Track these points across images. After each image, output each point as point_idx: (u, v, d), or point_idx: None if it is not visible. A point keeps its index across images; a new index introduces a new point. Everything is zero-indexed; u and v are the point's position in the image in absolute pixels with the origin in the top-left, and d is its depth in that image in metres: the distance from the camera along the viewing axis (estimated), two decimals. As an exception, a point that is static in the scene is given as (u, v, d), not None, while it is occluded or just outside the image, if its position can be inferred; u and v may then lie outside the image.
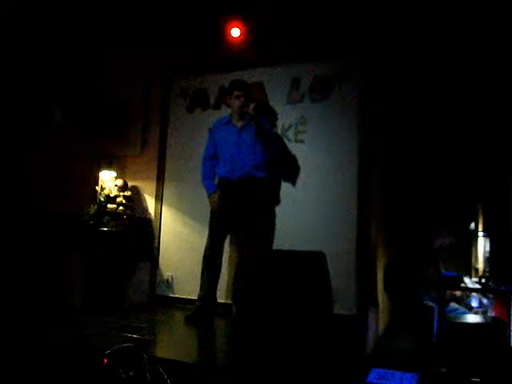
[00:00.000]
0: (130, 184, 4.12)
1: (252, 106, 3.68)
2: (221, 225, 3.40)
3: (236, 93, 3.36)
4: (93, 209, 3.84)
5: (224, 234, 3.44)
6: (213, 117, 3.82)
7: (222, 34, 3.77)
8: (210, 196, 3.42)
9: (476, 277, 2.99)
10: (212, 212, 3.42)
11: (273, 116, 3.77)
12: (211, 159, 3.49)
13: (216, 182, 3.47)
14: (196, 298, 3.37)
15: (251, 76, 3.86)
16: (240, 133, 3.39)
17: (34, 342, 2.56)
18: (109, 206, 3.88)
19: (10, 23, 3.98)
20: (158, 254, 4.07)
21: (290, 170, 3.66)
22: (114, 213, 3.87)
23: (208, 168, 3.50)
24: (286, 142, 3.72)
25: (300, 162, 3.66)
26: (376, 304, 3.30)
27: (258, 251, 3.31)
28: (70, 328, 2.96)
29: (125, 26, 4.12)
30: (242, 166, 3.34)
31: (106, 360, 1.70)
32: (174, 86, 4.21)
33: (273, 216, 3.62)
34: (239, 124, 3.41)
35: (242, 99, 3.36)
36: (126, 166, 4.23)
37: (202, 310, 3.30)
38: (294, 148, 3.69)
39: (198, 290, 3.35)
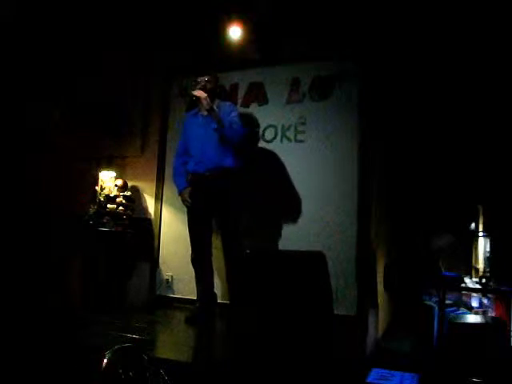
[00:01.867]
0: (129, 184, 4.12)
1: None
2: (198, 222, 3.30)
3: (205, 77, 3.32)
4: (93, 209, 3.83)
5: (205, 233, 3.30)
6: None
7: (222, 33, 3.77)
8: (180, 193, 3.38)
9: (476, 277, 2.99)
10: (187, 211, 3.36)
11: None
12: (183, 155, 3.43)
13: (188, 178, 3.40)
14: (196, 298, 3.37)
15: (251, 76, 3.86)
16: (205, 122, 3.29)
17: (33, 341, 2.56)
18: (109, 206, 3.87)
19: (10, 23, 3.97)
20: (158, 255, 4.06)
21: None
22: (113, 213, 3.86)
23: (178, 165, 3.45)
24: (286, 141, 3.72)
25: (300, 162, 3.65)
26: (376, 304, 3.30)
27: (234, 246, 3.24)
28: (69, 328, 2.96)
29: (125, 26, 4.12)
30: (210, 156, 3.23)
31: (105, 360, 1.69)
32: (173, 86, 4.20)
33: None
34: (205, 113, 3.30)
35: (202, 84, 3.29)
36: (126, 166, 4.23)
37: (201, 311, 3.28)
38: (294, 148, 3.69)
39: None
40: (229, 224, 3.27)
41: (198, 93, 3.25)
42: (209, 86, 3.33)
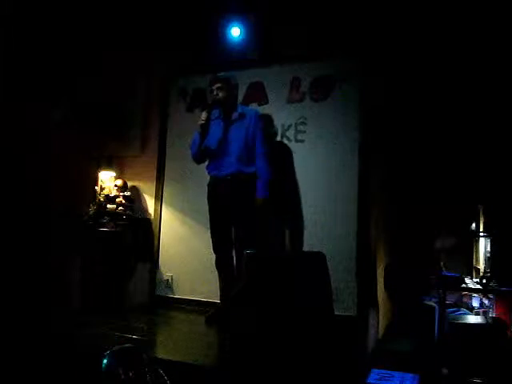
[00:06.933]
0: (129, 184, 4.12)
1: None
2: (217, 225, 3.30)
3: (217, 85, 3.23)
4: (92, 209, 3.83)
5: (223, 236, 3.29)
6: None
7: (222, 33, 3.77)
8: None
9: (477, 277, 2.99)
10: (209, 212, 3.34)
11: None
12: (200, 146, 3.30)
13: (208, 182, 3.37)
14: (196, 298, 3.35)
15: (251, 76, 3.86)
16: (229, 127, 3.26)
17: (33, 342, 2.55)
18: (108, 206, 3.87)
19: (10, 22, 3.97)
20: (158, 255, 4.06)
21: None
22: (113, 213, 3.86)
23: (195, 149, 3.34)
24: (286, 141, 3.71)
25: (300, 162, 3.64)
26: (376, 304, 3.30)
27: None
28: (69, 328, 2.95)
29: (125, 26, 4.12)
30: (231, 162, 3.22)
31: (105, 360, 1.69)
32: (173, 86, 4.20)
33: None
34: (228, 118, 3.29)
35: (225, 90, 3.22)
36: (126, 166, 4.23)
37: (221, 311, 3.25)
38: (294, 148, 3.68)
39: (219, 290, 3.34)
40: (246, 229, 3.20)
41: (200, 121, 3.20)
42: (221, 94, 3.25)
